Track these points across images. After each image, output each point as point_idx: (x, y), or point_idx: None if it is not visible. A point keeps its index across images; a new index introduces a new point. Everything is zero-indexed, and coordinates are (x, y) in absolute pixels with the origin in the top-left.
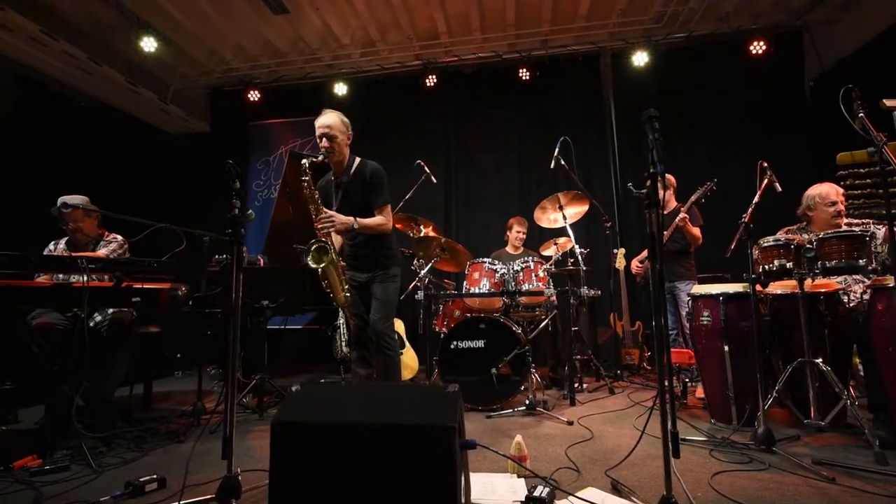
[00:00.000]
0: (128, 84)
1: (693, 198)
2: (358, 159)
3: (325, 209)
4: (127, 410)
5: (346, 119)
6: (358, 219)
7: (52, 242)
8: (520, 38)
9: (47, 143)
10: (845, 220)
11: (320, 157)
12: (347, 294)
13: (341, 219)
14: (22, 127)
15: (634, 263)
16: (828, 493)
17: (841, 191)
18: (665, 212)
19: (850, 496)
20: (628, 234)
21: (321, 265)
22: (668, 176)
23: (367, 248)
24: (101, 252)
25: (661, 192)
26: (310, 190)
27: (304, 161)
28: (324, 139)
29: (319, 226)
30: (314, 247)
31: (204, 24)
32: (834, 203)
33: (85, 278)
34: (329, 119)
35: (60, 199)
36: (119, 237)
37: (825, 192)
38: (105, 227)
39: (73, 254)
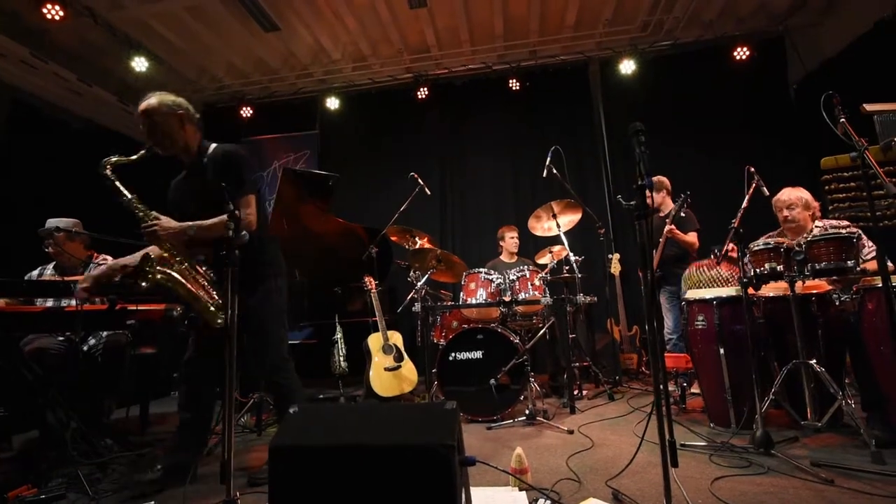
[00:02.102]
0: (120, 104)
1: (673, 212)
2: (213, 145)
3: (153, 214)
4: (123, 433)
5: (176, 98)
6: (197, 223)
7: (40, 267)
8: (509, 50)
9: (39, 166)
10: (824, 223)
11: (139, 154)
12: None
13: (169, 226)
14: (14, 150)
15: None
16: (827, 496)
17: (798, 195)
18: (661, 214)
19: (848, 497)
20: (623, 240)
21: (150, 281)
22: (662, 178)
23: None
24: (95, 273)
25: (650, 201)
26: (127, 200)
27: (104, 161)
28: (146, 131)
29: (144, 234)
30: (140, 262)
31: (195, 42)
32: (780, 210)
33: (76, 302)
34: (146, 103)
35: (49, 222)
36: (109, 259)
37: (777, 198)
38: (94, 249)
39: (67, 278)
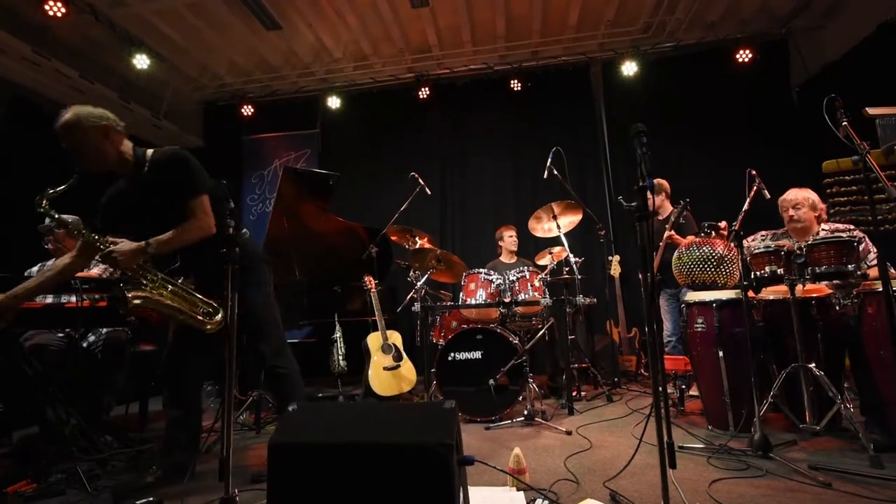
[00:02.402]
0: (121, 101)
1: (672, 219)
2: (150, 151)
3: (107, 241)
4: (123, 430)
5: (93, 110)
6: (154, 239)
7: (39, 264)
8: (510, 50)
9: (40, 163)
10: (830, 226)
11: (67, 185)
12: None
13: (125, 249)
14: (14, 147)
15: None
16: (824, 499)
17: (805, 195)
18: (660, 217)
19: (846, 501)
20: (623, 242)
21: (128, 310)
22: (661, 181)
23: (203, 255)
24: (94, 271)
25: (651, 202)
26: (67, 230)
27: (39, 199)
28: (69, 150)
29: (102, 262)
30: (117, 294)
31: (197, 40)
32: (785, 210)
33: (76, 298)
34: (62, 120)
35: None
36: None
37: (783, 198)
38: None
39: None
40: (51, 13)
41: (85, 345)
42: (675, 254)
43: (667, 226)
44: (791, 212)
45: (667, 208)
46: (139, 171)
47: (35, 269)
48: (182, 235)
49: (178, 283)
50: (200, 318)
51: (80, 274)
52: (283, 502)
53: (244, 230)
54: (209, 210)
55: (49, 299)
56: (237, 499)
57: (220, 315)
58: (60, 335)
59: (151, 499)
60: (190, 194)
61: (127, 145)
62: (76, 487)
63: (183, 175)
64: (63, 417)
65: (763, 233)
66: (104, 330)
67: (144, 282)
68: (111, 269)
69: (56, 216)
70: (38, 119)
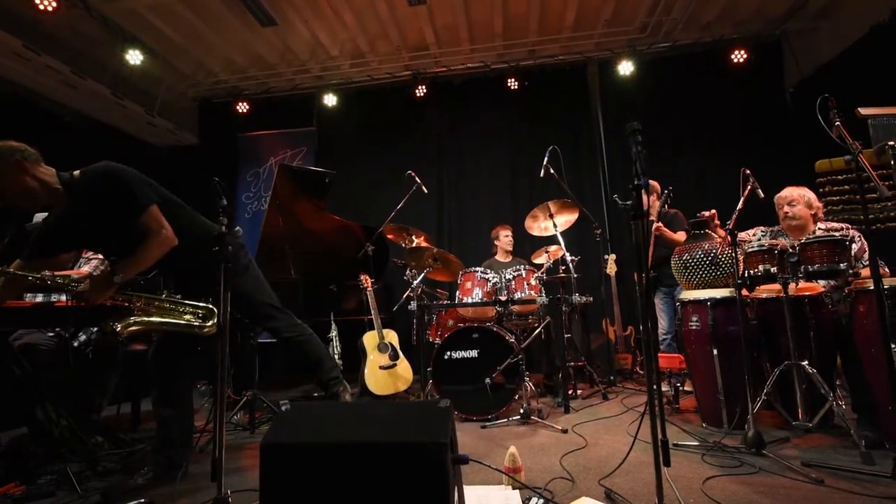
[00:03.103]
0: (114, 97)
1: (658, 209)
2: (76, 173)
3: (69, 281)
4: (114, 431)
5: (6, 144)
6: (119, 269)
7: None
8: (508, 49)
9: None
10: (826, 226)
11: (6, 239)
12: (196, 315)
13: (93, 289)
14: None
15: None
16: (817, 496)
17: (800, 192)
18: (651, 217)
19: (838, 497)
20: (619, 240)
21: (131, 330)
22: (652, 182)
23: (177, 260)
24: (84, 270)
25: (644, 201)
26: (41, 281)
27: None
28: None
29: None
30: (108, 331)
31: (191, 36)
32: (781, 207)
33: (66, 297)
34: None
35: (36, 216)
36: (100, 255)
37: (779, 195)
38: None
39: (56, 273)
40: (41, 7)
41: (76, 344)
42: (673, 262)
43: (653, 218)
44: (786, 209)
45: (657, 208)
46: (73, 197)
47: None
48: (145, 255)
49: (162, 298)
50: (196, 324)
51: (72, 272)
52: (276, 503)
53: (237, 228)
54: (163, 220)
55: (39, 298)
56: (230, 500)
57: (216, 317)
58: (51, 335)
59: (143, 500)
60: (138, 210)
61: (48, 172)
62: (66, 489)
63: (122, 191)
64: (53, 418)
65: (762, 228)
66: (95, 329)
67: (128, 305)
68: (102, 268)
69: (19, 272)
70: (29, 114)
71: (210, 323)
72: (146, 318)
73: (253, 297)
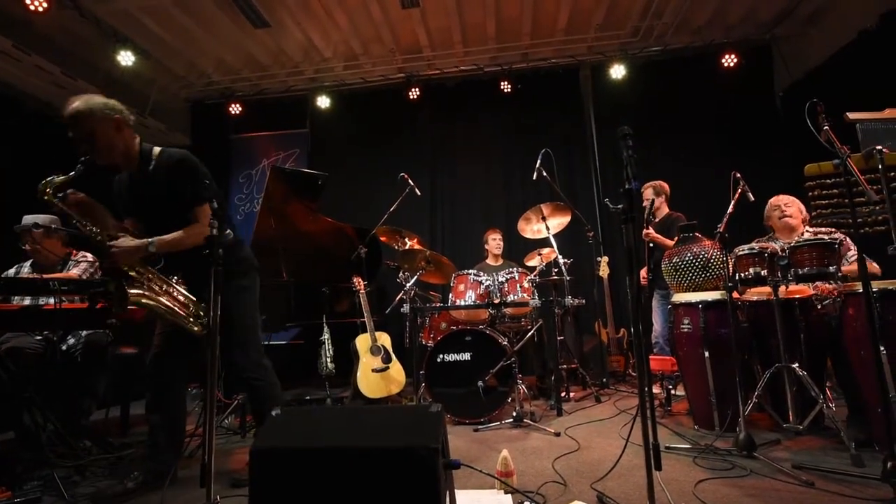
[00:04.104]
0: (105, 99)
1: (646, 216)
2: (157, 149)
3: (108, 237)
4: (103, 435)
5: (106, 101)
6: (157, 239)
7: (16, 265)
8: (501, 52)
9: (19, 160)
10: (815, 230)
11: (77, 168)
12: (198, 314)
13: (128, 246)
14: None
15: (643, 274)
16: (807, 498)
17: (793, 199)
18: (656, 220)
19: (828, 500)
20: (611, 243)
21: (123, 309)
22: (661, 183)
23: (193, 255)
24: (73, 272)
25: (647, 203)
26: (78, 223)
27: (46, 181)
28: (76, 139)
29: (103, 258)
30: (113, 291)
31: (184, 37)
32: (777, 206)
33: (55, 300)
34: (73, 108)
35: (27, 218)
36: (89, 256)
37: (772, 201)
38: (73, 246)
39: (45, 276)
40: (32, 7)
41: (64, 348)
42: (663, 265)
43: (644, 224)
44: (784, 207)
45: (663, 210)
46: (143, 168)
47: (12, 271)
48: (182, 238)
49: (172, 283)
50: (191, 319)
51: (59, 275)
52: None
53: (228, 231)
54: (208, 218)
55: (27, 301)
56: None
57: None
58: (38, 338)
59: None
60: (194, 202)
61: (134, 140)
62: (53, 494)
63: (189, 180)
64: (40, 422)
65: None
66: (84, 333)
67: (140, 279)
68: (91, 271)
69: (60, 205)
70: (19, 115)
71: (201, 322)
72: (155, 298)
73: (237, 320)
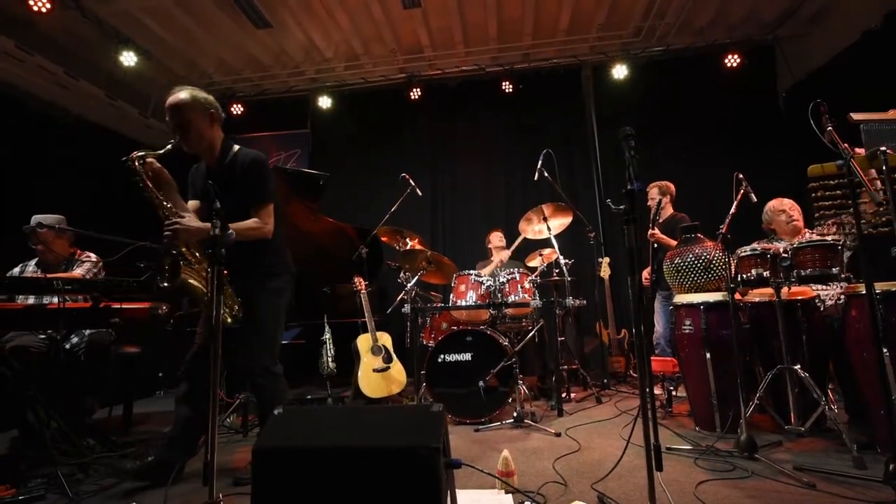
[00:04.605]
0: (108, 99)
1: (653, 214)
2: (236, 147)
3: (175, 213)
4: (106, 434)
5: (206, 96)
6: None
7: (21, 264)
8: (502, 52)
9: (23, 160)
10: (817, 231)
11: (167, 148)
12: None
13: (192, 226)
14: None
15: (645, 275)
16: (808, 500)
17: (791, 203)
18: (661, 220)
19: (829, 501)
20: (613, 244)
21: (166, 284)
22: (667, 183)
23: (238, 248)
24: (77, 272)
25: (652, 203)
26: (149, 192)
27: (132, 155)
28: (173, 125)
29: (164, 234)
30: (168, 261)
31: (185, 38)
32: (783, 211)
33: (59, 300)
34: (176, 98)
35: (34, 218)
36: (93, 256)
37: (773, 205)
38: (77, 247)
39: (49, 275)
40: (35, 8)
41: (68, 347)
42: (665, 266)
43: (651, 225)
44: (789, 211)
45: (668, 211)
46: (221, 161)
47: (17, 269)
48: (244, 229)
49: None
50: (226, 311)
51: (62, 275)
52: None
53: (230, 231)
54: (271, 217)
55: (31, 300)
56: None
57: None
58: (42, 337)
59: (133, 503)
60: (260, 200)
61: (220, 136)
62: (57, 492)
63: (258, 179)
64: (44, 420)
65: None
66: (87, 332)
67: (192, 260)
68: (94, 271)
69: (145, 178)
70: (22, 115)
71: (233, 316)
72: (200, 281)
73: (259, 320)
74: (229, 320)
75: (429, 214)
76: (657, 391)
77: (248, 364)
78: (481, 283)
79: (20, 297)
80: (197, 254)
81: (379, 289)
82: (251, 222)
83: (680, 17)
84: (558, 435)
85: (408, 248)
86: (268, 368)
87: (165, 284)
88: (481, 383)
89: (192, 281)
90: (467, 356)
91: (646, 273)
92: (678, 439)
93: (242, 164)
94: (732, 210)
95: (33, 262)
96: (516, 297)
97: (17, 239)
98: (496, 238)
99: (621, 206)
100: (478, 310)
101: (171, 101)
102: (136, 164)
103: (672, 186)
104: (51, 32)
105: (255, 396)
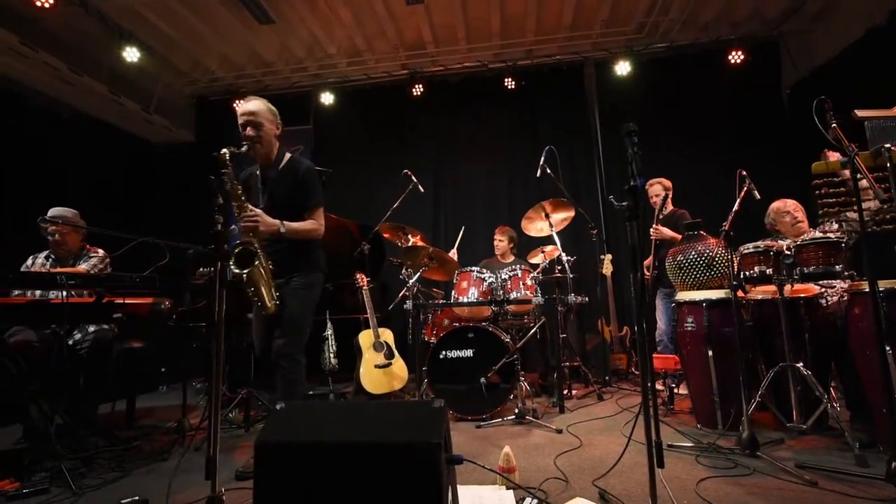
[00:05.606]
0: (111, 94)
1: (657, 211)
2: (288, 155)
3: (250, 207)
4: (109, 428)
5: (273, 108)
6: (286, 223)
7: (31, 256)
8: (505, 48)
9: (27, 156)
10: (820, 229)
11: (243, 148)
12: (278, 302)
13: (267, 221)
14: (2, 140)
15: (647, 262)
16: (810, 498)
17: (794, 205)
18: (662, 216)
19: (831, 499)
20: (615, 241)
21: (245, 271)
22: (664, 181)
23: (281, 244)
24: (82, 267)
25: (655, 200)
26: (232, 185)
27: (223, 151)
28: (248, 128)
29: (242, 224)
30: (238, 250)
31: (188, 33)
32: (788, 212)
33: (63, 294)
34: (253, 105)
35: (51, 210)
36: (100, 251)
37: (776, 206)
38: (87, 241)
39: (53, 270)
40: (38, 4)
41: (71, 342)
42: (667, 263)
43: (653, 221)
44: (795, 214)
45: (668, 207)
46: (275, 166)
47: (29, 261)
48: (303, 229)
49: (267, 266)
50: (271, 302)
51: (67, 270)
52: (270, 502)
53: (232, 227)
54: (322, 219)
55: (37, 294)
56: (224, 498)
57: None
58: (46, 332)
59: (137, 497)
60: (312, 203)
61: (277, 144)
62: (61, 486)
63: (311, 183)
64: (47, 415)
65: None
66: (91, 327)
67: (256, 252)
68: (100, 266)
69: (230, 173)
70: (26, 111)
71: (275, 303)
72: (260, 271)
73: (287, 312)
74: (270, 306)
75: (431, 211)
76: (659, 388)
77: (277, 348)
78: (483, 279)
79: (22, 291)
80: (260, 245)
81: (381, 285)
82: (310, 223)
83: (684, 14)
84: (559, 431)
85: (410, 244)
86: (293, 356)
87: (237, 270)
88: (483, 380)
89: (255, 270)
90: (469, 353)
91: (646, 262)
92: (680, 436)
93: (299, 171)
94: (735, 207)
95: (42, 254)
96: (518, 294)
97: (17, 232)
98: (499, 242)
99: (624, 203)
100: (479, 306)
101: (247, 108)
102: (223, 156)
103: (669, 183)
104: (54, 28)
105: (276, 378)
